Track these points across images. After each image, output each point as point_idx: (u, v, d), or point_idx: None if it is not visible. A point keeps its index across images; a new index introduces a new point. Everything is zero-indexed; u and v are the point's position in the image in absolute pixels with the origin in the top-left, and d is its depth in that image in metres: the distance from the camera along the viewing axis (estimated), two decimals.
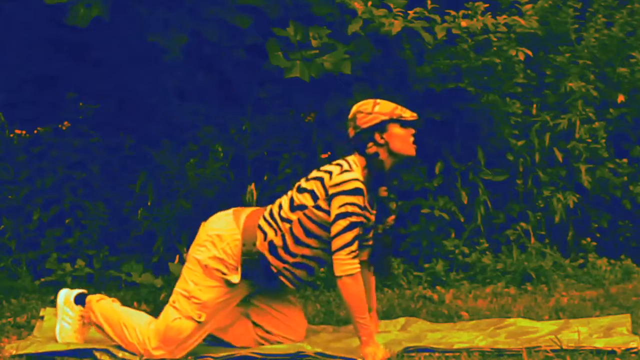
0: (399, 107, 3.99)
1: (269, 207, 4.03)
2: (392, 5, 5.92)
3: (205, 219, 4.11)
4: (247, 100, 6.46)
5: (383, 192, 4.00)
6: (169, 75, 6.70)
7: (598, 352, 3.76)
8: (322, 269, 5.60)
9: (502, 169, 6.24)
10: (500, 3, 6.43)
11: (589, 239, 6.15)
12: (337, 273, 3.80)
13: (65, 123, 6.28)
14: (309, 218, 3.91)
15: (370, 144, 3.94)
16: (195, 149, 6.27)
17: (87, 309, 4.04)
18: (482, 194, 6.12)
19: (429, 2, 5.93)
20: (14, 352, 3.86)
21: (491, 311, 4.85)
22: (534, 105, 6.40)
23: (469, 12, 6.03)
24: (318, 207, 3.89)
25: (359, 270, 3.80)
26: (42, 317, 4.54)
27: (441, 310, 4.91)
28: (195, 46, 6.20)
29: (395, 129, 3.95)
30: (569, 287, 5.56)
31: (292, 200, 3.96)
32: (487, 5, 6.09)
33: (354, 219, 3.81)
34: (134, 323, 3.92)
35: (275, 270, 3.95)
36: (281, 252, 3.93)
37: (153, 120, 6.70)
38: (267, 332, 4.09)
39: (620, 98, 6.40)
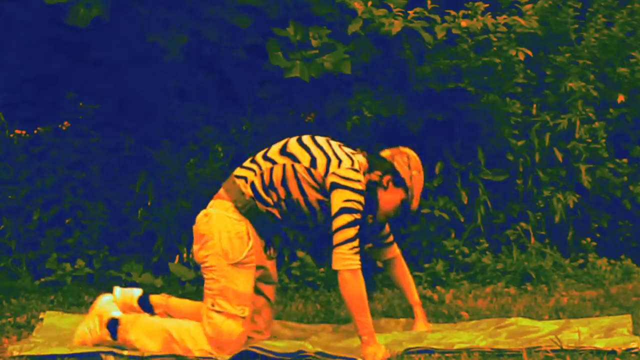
0: (419, 192, 4.07)
1: (249, 158, 4.07)
2: (392, 5, 5.92)
3: None
4: (247, 100, 6.46)
5: (369, 218, 4.06)
6: (169, 75, 6.70)
7: (598, 352, 3.76)
8: (321, 269, 5.59)
9: (502, 169, 6.24)
10: (500, 3, 6.43)
11: (589, 239, 6.15)
12: (337, 267, 3.79)
13: (65, 123, 6.28)
14: (294, 170, 3.91)
15: (379, 173, 4.00)
16: (195, 149, 6.27)
17: (121, 333, 3.94)
18: (482, 194, 6.12)
19: (429, 2, 5.93)
20: (16, 354, 3.85)
21: (491, 311, 4.85)
22: (534, 105, 6.40)
23: (469, 12, 6.03)
24: (310, 172, 3.90)
25: (359, 266, 3.80)
26: (41, 319, 4.53)
27: (441, 310, 4.91)
28: (195, 46, 6.20)
29: (398, 194, 4.04)
30: (569, 287, 5.56)
31: (285, 145, 3.98)
32: (487, 5, 6.09)
33: (357, 216, 3.82)
34: (184, 326, 3.89)
35: (264, 210, 3.96)
36: (262, 192, 3.94)
37: (153, 120, 6.70)
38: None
39: (620, 98, 6.40)
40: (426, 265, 5.77)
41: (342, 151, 3.97)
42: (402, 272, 4.40)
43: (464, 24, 5.93)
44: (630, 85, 6.47)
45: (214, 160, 6.18)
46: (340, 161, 3.90)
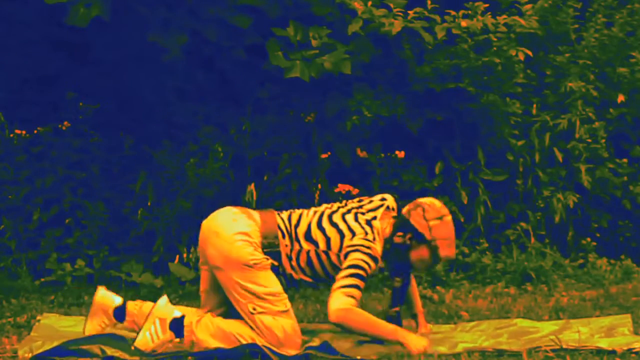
0: (446, 240, 4.02)
1: (287, 212, 4.13)
2: (392, 5, 5.92)
3: (205, 218, 4.09)
4: (247, 100, 6.45)
5: (396, 282, 4.11)
6: (169, 75, 6.70)
7: (598, 352, 3.75)
8: None
9: (502, 169, 6.24)
10: (500, 3, 6.43)
11: (589, 239, 6.15)
12: (330, 307, 3.86)
13: (65, 123, 6.27)
14: (317, 255, 4.01)
15: (401, 234, 4.02)
16: (195, 149, 6.27)
17: (187, 334, 3.93)
18: (482, 194, 6.12)
19: (429, 2, 5.93)
20: (28, 355, 3.80)
21: (491, 311, 4.85)
22: (534, 105, 6.40)
23: (469, 12, 6.03)
24: (327, 254, 4.00)
25: (352, 305, 3.86)
26: (38, 321, 4.52)
27: (441, 310, 4.91)
28: (195, 46, 6.20)
29: (423, 250, 4.04)
30: (569, 287, 5.56)
31: (309, 229, 4.04)
32: (487, 5, 6.09)
33: (361, 272, 3.91)
34: (245, 332, 3.91)
35: (280, 270, 4.03)
36: (293, 259, 4.04)
37: (153, 120, 6.70)
38: None
39: (620, 98, 6.40)
40: None
41: (357, 223, 4.03)
42: (413, 284, 4.40)
43: (464, 24, 5.94)
44: (630, 85, 6.47)
45: (214, 160, 6.18)
46: (353, 234, 3.99)
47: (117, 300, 4.17)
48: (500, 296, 5.33)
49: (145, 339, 3.91)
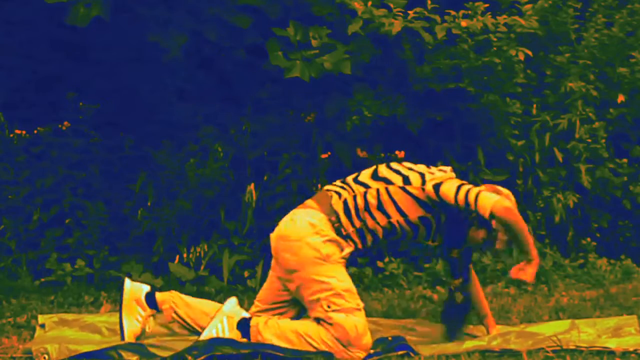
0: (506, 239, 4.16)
1: (339, 180, 4.10)
2: (392, 5, 5.92)
3: (205, 218, 4.09)
4: (247, 100, 6.46)
5: (454, 253, 4.10)
6: (169, 75, 6.71)
7: (598, 352, 3.75)
8: None
9: (502, 169, 6.24)
10: (500, 3, 6.43)
11: (589, 239, 6.15)
12: (487, 202, 3.88)
13: (65, 123, 6.27)
14: (388, 193, 3.95)
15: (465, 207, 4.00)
16: (195, 149, 6.27)
17: (254, 334, 3.88)
18: None
19: (429, 2, 5.93)
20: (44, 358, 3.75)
21: (491, 311, 4.84)
22: (534, 105, 6.40)
23: (469, 12, 6.03)
24: (405, 190, 3.94)
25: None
26: (42, 325, 4.41)
27: (441, 310, 4.90)
28: (195, 46, 6.20)
29: (481, 232, 4.09)
30: (569, 287, 5.56)
31: (375, 171, 4.02)
32: (487, 5, 6.09)
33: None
34: (312, 330, 3.86)
35: (344, 233, 3.95)
36: (353, 213, 3.95)
37: (153, 120, 6.70)
38: None
39: (620, 98, 6.40)
40: (426, 265, 5.77)
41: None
42: (477, 287, 4.38)
43: (464, 24, 5.94)
44: (630, 85, 6.47)
45: (214, 160, 6.18)
46: (433, 173, 4.01)
47: (145, 287, 4.15)
48: (500, 296, 5.33)
49: (210, 335, 3.88)
